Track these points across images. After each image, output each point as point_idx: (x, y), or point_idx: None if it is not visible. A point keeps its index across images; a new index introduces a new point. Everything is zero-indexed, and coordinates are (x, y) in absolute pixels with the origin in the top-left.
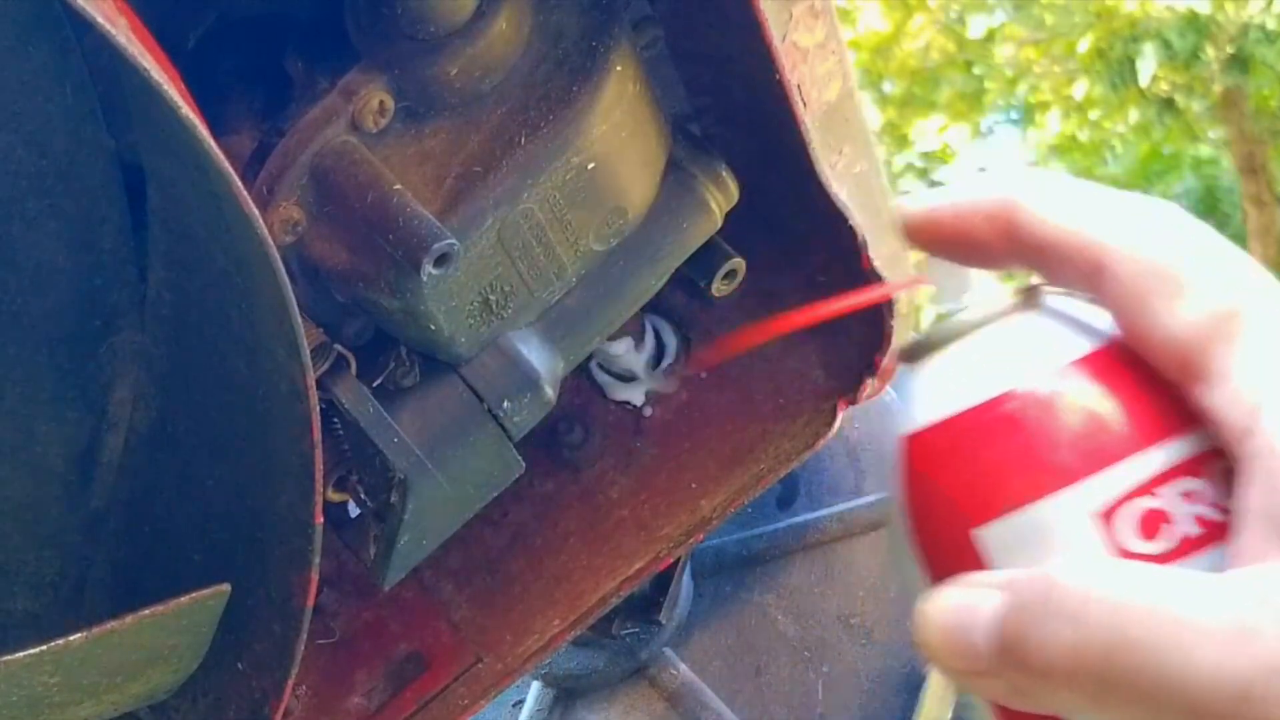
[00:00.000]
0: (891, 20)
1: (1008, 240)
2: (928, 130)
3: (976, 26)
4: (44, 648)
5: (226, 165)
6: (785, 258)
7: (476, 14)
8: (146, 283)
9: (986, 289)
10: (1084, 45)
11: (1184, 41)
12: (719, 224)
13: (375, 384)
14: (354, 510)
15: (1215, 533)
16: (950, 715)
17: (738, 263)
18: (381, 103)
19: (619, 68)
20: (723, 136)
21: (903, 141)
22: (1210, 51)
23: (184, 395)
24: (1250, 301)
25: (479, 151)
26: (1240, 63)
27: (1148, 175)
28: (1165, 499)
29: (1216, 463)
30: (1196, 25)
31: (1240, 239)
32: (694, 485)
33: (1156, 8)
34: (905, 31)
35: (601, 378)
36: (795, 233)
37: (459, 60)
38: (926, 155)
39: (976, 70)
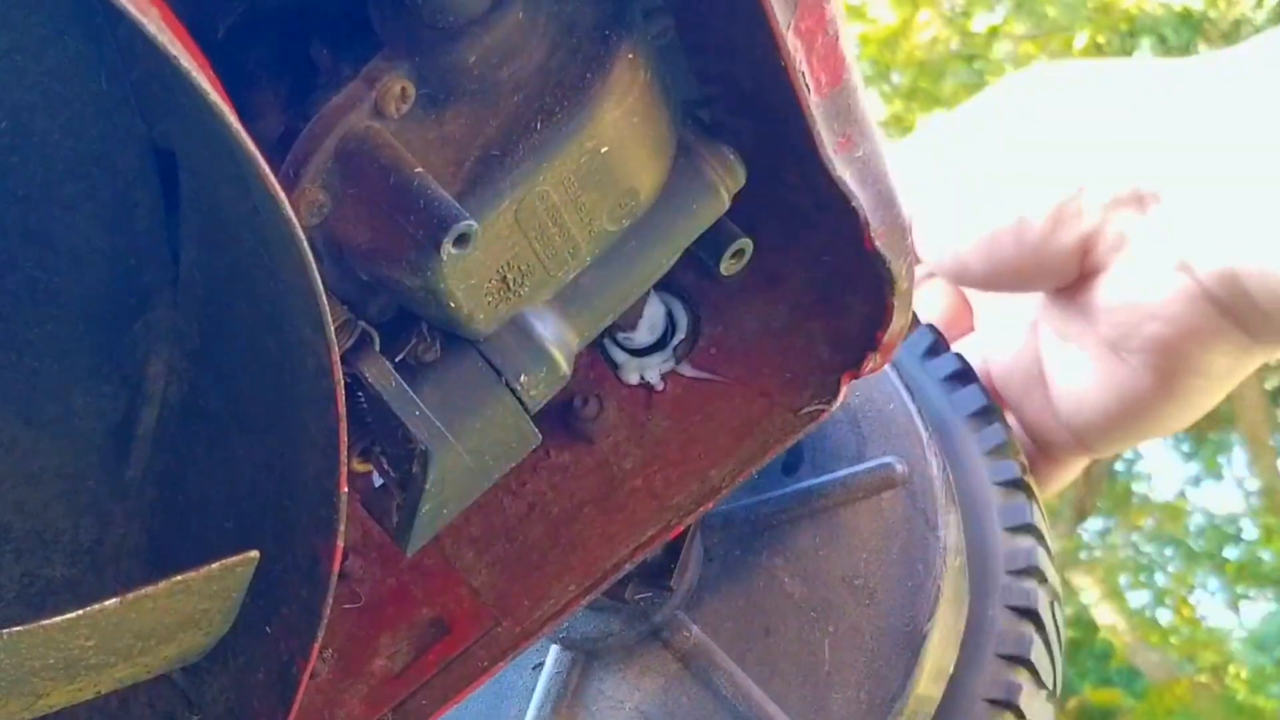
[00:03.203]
0: (900, 14)
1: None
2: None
3: (979, 23)
4: (80, 612)
5: (254, 150)
6: (791, 237)
7: (494, 4)
8: (179, 263)
9: None
10: (1081, 40)
11: (1178, 37)
12: (727, 205)
13: (397, 359)
14: (378, 480)
15: None
16: (951, 669)
17: (745, 242)
18: (403, 89)
19: (630, 56)
20: (730, 122)
21: (909, 134)
22: (1203, 47)
23: (215, 370)
24: None
25: (496, 136)
26: None
27: None
28: None
29: None
30: (1190, 21)
31: None
32: (704, 456)
33: (1152, 3)
34: (913, 24)
35: (615, 354)
36: (800, 214)
37: (478, 48)
38: None
39: (977, 65)
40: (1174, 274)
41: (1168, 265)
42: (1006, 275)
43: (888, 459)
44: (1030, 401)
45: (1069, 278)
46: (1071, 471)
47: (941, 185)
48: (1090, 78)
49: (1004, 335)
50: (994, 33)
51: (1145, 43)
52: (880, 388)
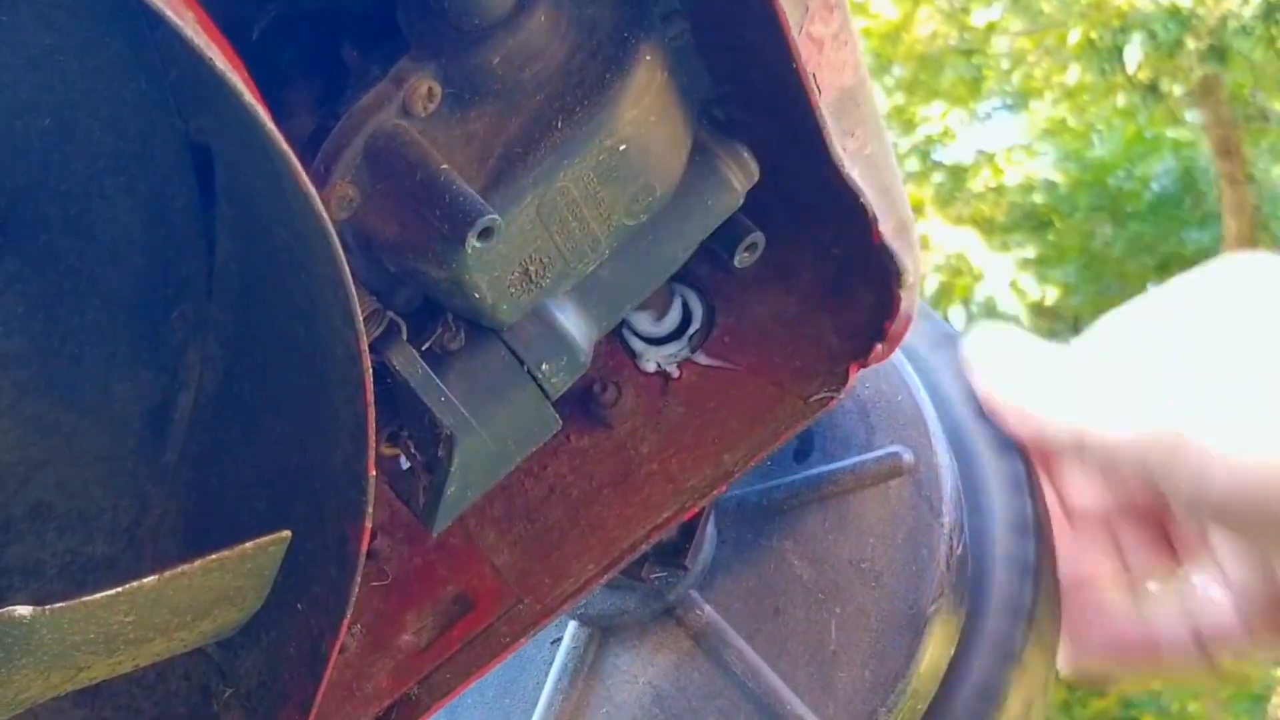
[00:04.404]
0: (901, 9)
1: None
2: (931, 114)
3: (977, 19)
4: (120, 589)
5: (286, 147)
6: (801, 232)
7: (517, 7)
8: (214, 255)
9: None
10: (1075, 36)
11: (1168, 33)
12: (740, 201)
13: (424, 348)
14: (405, 463)
15: None
16: (954, 652)
17: (758, 236)
18: (430, 89)
19: (648, 57)
20: (744, 121)
21: (909, 125)
22: (1191, 42)
23: (248, 358)
24: None
25: (519, 134)
26: (1218, 53)
27: (1131, 156)
28: None
29: None
30: (1179, 17)
31: (1215, 215)
32: (717, 441)
33: (1143, 0)
34: (913, 20)
35: (634, 343)
36: (811, 209)
37: (502, 50)
38: (929, 138)
39: (975, 60)
40: None
41: None
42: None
43: (895, 448)
44: None
45: None
46: None
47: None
48: None
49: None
50: (991, 28)
51: (1136, 38)
52: (889, 380)
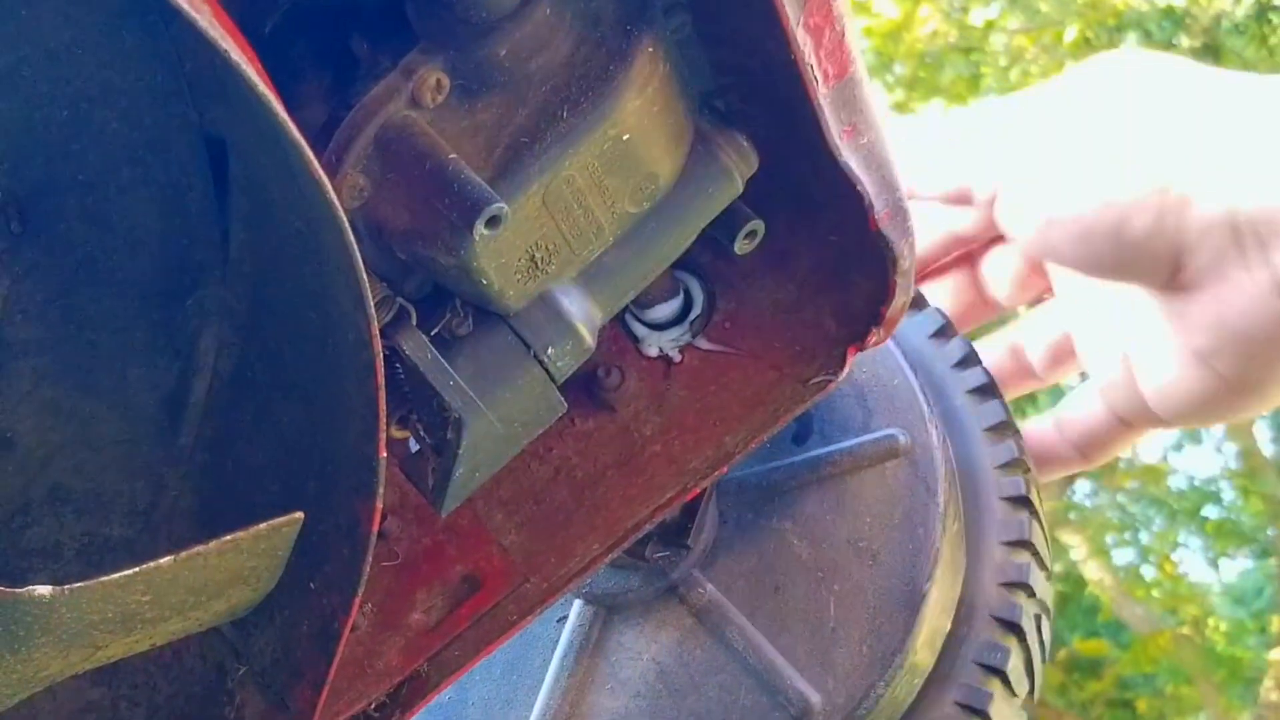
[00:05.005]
0: (902, 8)
1: None
2: (932, 111)
3: (976, 17)
4: (136, 569)
5: (299, 137)
6: (800, 219)
7: (524, 0)
8: (228, 243)
9: None
10: (1071, 34)
11: (1162, 32)
12: (740, 189)
13: (433, 333)
14: (414, 446)
15: None
16: (949, 627)
17: (758, 224)
18: (438, 81)
19: (651, 49)
20: (744, 111)
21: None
22: (1185, 41)
23: (262, 343)
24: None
25: (525, 124)
26: (1212, 51)
27: None
28: None
29: None
30: (1173, 16)
31: None
32: (718, 423)
33: (1137, 0)
34: (914, 18)
35: (636, 329)
36: (809, 197)
37: (508, 42)
38: None
39: (974, 57)
40: (1273, 299)
41: (1266, 291)
42: (1095, 265)
43: (892, 431)
44: (1111, 376)
45: (1157, 282)
46: (1142, 436)
47: (1032, 158)
48: (1185, 73)
49: (1087, 307)
50: (990, 27)
51: (1131, 36)
52: (885, 365)
